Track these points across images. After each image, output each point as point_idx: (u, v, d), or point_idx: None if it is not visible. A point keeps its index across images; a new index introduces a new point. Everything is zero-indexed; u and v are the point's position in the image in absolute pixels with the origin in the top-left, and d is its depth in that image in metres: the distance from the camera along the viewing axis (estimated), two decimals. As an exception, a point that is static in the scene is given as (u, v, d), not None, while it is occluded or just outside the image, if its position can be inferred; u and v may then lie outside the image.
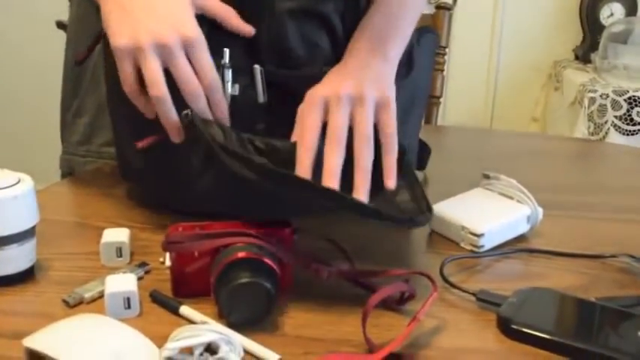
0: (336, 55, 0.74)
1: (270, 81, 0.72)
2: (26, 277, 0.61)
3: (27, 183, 0.60)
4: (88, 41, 0.78)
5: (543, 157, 1.07)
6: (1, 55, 2.50)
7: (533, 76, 2.33)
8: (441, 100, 1.36)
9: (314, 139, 0.65)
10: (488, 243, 0.69)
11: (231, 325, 0.53)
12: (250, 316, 0.54)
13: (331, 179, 0.63)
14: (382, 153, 0.67)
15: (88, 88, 0.94)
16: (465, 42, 2.25)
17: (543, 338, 0.53)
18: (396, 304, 0.58)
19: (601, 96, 1.87)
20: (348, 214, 0.59)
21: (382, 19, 0.75)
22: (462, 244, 0.70)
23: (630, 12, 2.16)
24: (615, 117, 1.86)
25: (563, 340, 0.53)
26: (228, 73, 0.69)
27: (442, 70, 1.35)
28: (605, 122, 1.87)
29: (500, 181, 0.76)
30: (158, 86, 0.63)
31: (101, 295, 0.58)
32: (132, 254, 0.66)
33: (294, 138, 0.68)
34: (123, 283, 0.56)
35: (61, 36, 1.00)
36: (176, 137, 0.66)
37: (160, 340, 0.49)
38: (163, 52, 0.63)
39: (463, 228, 0.70)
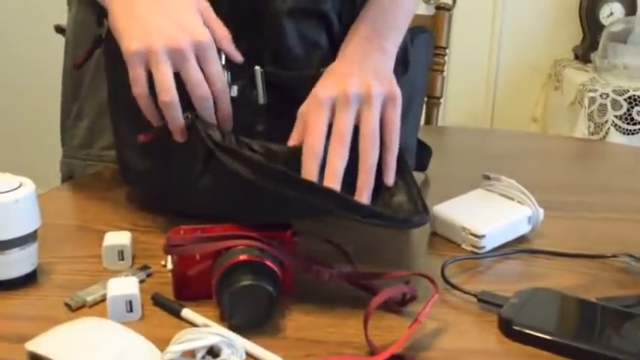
0: (334, 54, 0.73)
1: (269, 82, 0.72)
2: (28, 280, 0.61)
3: (28, 187, 0.60)
4: (86, 45, 0.78)
5: (543, 157, 1.07)
6: (1, 57, 2.50)
7: (533, 76, 2.32)
8: (441, 100, 1.36)
9: (320, 146, 0.64)
10: (489, 244, 0.69)
11: (233, 328, 0.53)
12: (252, 319, 0.54)
13: (333, 181, 0.63)
14: (383, 150, 0.66)
15: (87, 92, 0.94)
16: (465, 42, 2.25)
17: (545, 339, 0.53)
18: (397, 306, 0.58)
19: (601, 95, 1.87)
20: (347, 217, 0.59)
21: (376, 13, 0.75)
22: (463, 246, 0.70)
23: (630, 11, 2.16)
24: (615, 116, 1.86)
25: (565, 340, 0.53)
26: (227, 75, 0.69)
27: (442, 71, 1.35)
28: (606, 122, 1.86)
29: (500, 182, 0.76)
30: (169, 92, 0.62)
31: (103, 299, 0.58)
32: (134, 257, 0.66)
33: (293, 138, 0.67)
34: (125, 286, 0.57)
35: (62, 38, 1.00)
36: (180, 138, 0.66)
37: (162, 343, 0.49)
38: (176, 56, 0.62)
39: (464, 229, 0.70)
